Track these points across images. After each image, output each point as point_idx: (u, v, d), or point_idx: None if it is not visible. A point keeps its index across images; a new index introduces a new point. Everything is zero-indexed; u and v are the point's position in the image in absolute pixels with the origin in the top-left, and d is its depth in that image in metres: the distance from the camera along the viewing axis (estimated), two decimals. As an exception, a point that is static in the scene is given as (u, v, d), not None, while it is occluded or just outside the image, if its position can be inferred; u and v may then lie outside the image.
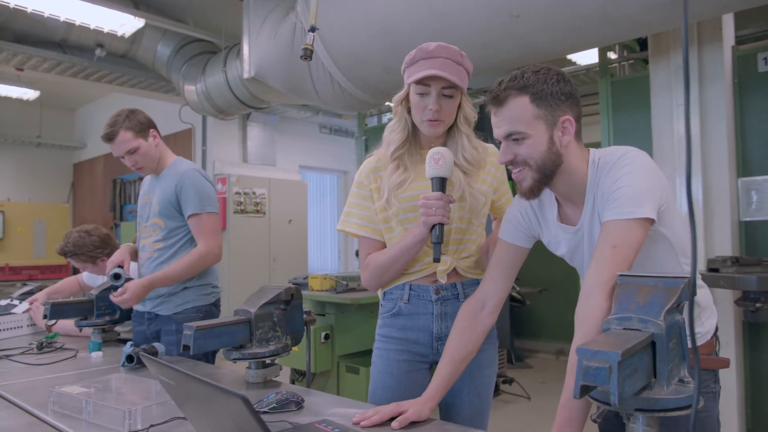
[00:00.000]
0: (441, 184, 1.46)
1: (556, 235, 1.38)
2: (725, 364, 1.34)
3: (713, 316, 1.38)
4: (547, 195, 1.38)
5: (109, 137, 2.31)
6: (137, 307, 2.40)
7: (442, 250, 1.57)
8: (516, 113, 1.24)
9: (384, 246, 1.65)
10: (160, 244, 2.34)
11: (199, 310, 2.33)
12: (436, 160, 1.45)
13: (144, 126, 2.33)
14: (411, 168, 1.60)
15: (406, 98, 1.59)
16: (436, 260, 1.46)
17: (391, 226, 1.62)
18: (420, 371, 1.65)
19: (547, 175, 1.26)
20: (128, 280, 2.25)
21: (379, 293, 1.72)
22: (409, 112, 1.60)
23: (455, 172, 1.57)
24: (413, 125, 1.61)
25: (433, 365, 1.67)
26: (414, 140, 1.63)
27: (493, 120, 1.28)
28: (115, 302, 2.18)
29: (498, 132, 1.28)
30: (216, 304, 2.43)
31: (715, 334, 1.38)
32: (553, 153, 1.25)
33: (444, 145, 1.62)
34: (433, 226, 1.44)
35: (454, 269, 1.62)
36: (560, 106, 1.24)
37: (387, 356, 1.64)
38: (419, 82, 1.52)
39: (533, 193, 1.29)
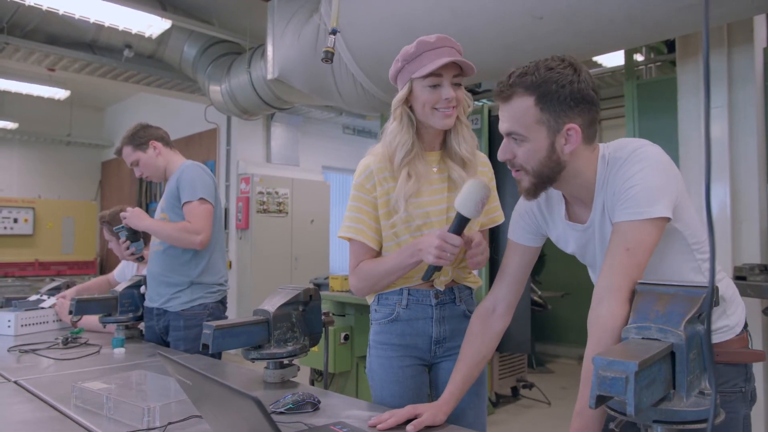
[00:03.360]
0: (465, 224, 1.41)
1: (564, 233, 1.35)
2: (761, 357, 1.25)
3: (740, 308, 1.30)
4: (556, 192, 1.34)
5: (118, 153, 2.61)
6: (147, 304, 2.51)
7: None
8: (518, 113, 1.19)
9: (377, 254, 1.61)
10: None
11: (207, 307, 2.41)
12: (484, 204, 1.41)
13: (143, 140, 2.53)
14: (422, 174, 1.56)
15: (406, 98, 1.54)
16: (425, 279, 1.46)
17: (396, 232, 1.57)
18: (422, 373, 1.64)
19: (545, 180, 1.23)
20: (134, 233, 2.57)
21: (371, 299, 1.67)
22: (411, 110, 1.55)
23: (457, 171, 1.56)
24: (416, 126, 1.56)
25: (430, 366, 1.66)
26: (418, 142, 1.57)
27: (500, 112, 1.24)
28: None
29: (501, 127, 1.24)
30: (222, 302, 2.51)
31: (745, 328, 1.29)
32: (552, 161, 1.19)
33: (446, 140, 1.60)
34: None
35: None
36: (567, 112, 1.17)
37: (389, 364, 1.60)
38: (432, 73, 1.47)
39: (531, 194, 1.25)
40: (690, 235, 1.21)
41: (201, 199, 2.36)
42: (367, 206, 1.58)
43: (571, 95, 1.16)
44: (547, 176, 1.22)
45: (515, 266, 1.45)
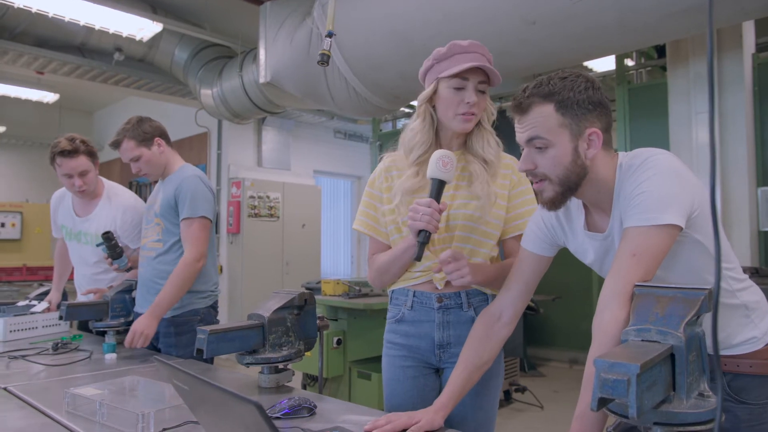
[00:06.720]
0: (440, 188, 1.43)
1: (583, 243, 1.34)
2: None
3: None
4: (574, 202, 1.33)
5: (115, 145, 2.42)
6: (137, 309, 2.46)
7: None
8: (540, 120, 1.19)
9: (388, 247, 1.66)
10: (159, 244, 2.40)
11: (198, 312, 2.37)
12: (445, 163, 1.41)
13: (148, 135, 2.38)
14: None
15: (431, 97, 1.56)
16: (417, 259, 1.43)
17: (395, 219, 1.60)
18: (427, 376, 1.63)
19: (571, 188, 1.22)
20: (115, 250, 2.46)
21: (388, 296, 1.72)
22: (433, 109, 1.57)
23: (477, 167, 1.57)
24: (437, 126, 1.59)
25: (438, 371, 1.66)
26: (436, 142, 1.60)
27: (517, 127, 1.24)
28: (130, 344, 2.21)
29: (520, 137, 1.23)
30: (213, 306, 2.47)
31: None
32: (577, 166, 1.19)
33: (467, 143, 1.61)
34: (419, 232, 1.40)
35: None
36: (587, 116, 1.18)
37: (393, 363, 1.65)
38: (457, 75, 1.50)
39: (554, 204, 1.24)
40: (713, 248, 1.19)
41: (202, 217, 2.31)
42: (375, 201, 1.66)
43: (588, 100, 1.18)
44: (573, 183, 1.21)
45: (526, 275, 1.44)
